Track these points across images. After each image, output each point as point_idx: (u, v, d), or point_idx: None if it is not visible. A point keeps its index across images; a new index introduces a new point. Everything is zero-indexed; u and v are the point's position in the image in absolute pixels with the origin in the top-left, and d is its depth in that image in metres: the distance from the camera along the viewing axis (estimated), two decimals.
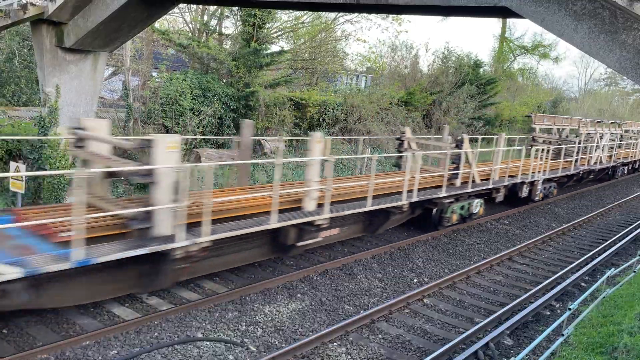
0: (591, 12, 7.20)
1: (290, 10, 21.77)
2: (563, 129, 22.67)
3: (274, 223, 8.85)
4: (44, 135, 10.90)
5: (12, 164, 9.92)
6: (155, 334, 7.36)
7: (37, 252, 6.52)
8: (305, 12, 22.08)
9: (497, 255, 12.21)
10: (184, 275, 8.31)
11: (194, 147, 16.13)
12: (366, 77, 35.13)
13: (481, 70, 33.32)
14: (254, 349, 7.25)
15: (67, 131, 8.91)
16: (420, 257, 11.92)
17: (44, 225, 7.04)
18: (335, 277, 10.19)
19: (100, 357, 6.65)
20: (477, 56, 33.86)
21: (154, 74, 20.18)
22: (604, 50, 7.18)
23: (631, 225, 17.12)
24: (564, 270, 11.50)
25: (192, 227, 7.72)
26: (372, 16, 24.62)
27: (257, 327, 7.90)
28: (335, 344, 7.60)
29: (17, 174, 7.21)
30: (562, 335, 7.25)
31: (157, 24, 18.88)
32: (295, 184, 11.54)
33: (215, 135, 17.00)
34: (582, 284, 11.08)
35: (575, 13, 7.32)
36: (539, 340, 7.10)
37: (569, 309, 7.82)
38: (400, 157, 15.13)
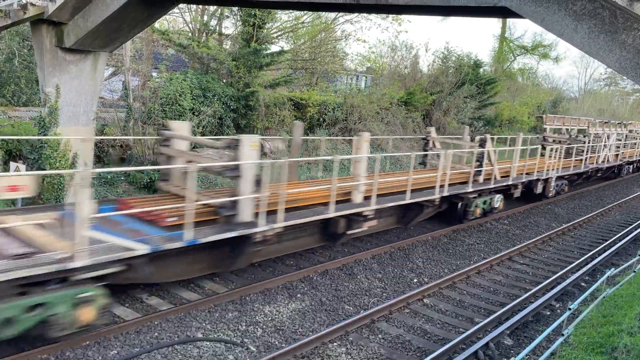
0: (591, 12, 7.19)
1: (290, 10, 21.76)
2: (572, 129, 23.50)
3: (331, 213, 9.94)
4: (44, 135, 10.89)
5: (12, 164, 9.91)
6: (155, 334, 7.36)
7: (149, 235, 7.65)
8: (305, 12, 22.07)
9: (497, 255, 12.23)
10: (258, 257, 9.53)
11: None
12: (366, 77, 35.11)
13: (481, 70, 33.33)
14: (254, 349, 7.25)
15: (156, 133, 10.29)
16: (420, 257, 11.92)
17: (149, 212, 8.21)
18: (335, 277, 10.19)
19: (100, 357, 6.65)
20: (477, 56, 33.92)
21: (154, 74, 20.13)
22: (604, 50, 7.17)
23: (631, 225, 17.13)
24: (564, 270, 11.51)
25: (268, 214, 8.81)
26: (372, 16, 24.61)
27: (257, 327, 7.90)
28: (335, 344, 7.60)
29: (17, 174, 7.21)
30: (562, 335, 7.26)
31: (157, 24, 18.86)
32: (339, 179, 11.94)
33: (215, 135, 16.97)
34: (582, 284, 11.09)
35: (575, 13, 7.31)
36: (539, 340, 7.11)
37: (569, 309, 7.83)
38: (426, 155, 16.17)
